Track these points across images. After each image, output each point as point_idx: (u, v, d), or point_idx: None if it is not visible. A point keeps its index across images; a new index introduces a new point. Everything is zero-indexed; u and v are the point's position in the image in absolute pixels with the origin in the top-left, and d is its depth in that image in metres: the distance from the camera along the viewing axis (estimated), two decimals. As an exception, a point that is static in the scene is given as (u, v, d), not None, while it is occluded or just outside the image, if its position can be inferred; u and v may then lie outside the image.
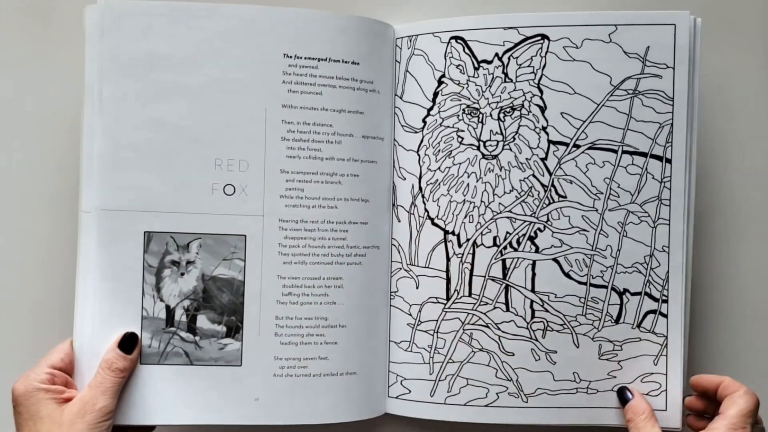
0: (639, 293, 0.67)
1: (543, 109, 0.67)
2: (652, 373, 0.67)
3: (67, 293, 0.66)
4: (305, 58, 0.66)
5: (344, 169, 0.67)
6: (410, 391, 0.69)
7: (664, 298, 0.66)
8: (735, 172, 0.73)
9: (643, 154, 0.67)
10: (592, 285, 0.67)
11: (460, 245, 0.68)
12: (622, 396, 0.65)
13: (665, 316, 0.66)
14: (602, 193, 0.67)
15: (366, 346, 0.68)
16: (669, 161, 0.66)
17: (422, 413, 0.69)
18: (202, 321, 0.65)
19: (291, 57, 0.66)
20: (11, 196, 0.73)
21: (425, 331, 0.69)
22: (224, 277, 0.65)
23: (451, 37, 0.68)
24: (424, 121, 0.69)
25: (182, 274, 0.65)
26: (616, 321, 0.67)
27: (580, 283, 0.67)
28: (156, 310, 0.65)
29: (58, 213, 0.73)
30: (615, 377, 0.67)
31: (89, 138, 0.64)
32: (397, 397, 0.70)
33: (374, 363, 0.69)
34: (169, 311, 0.65)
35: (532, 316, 0.68)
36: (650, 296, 0.67)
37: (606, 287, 0.67)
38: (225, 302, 0.65)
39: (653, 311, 0.67)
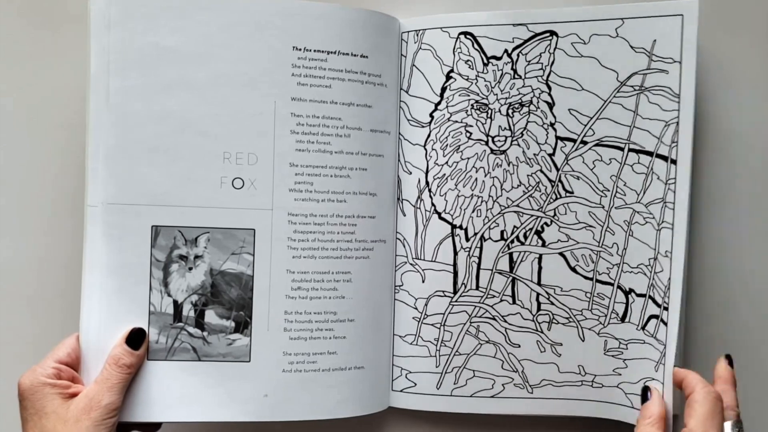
0: (644, 295, 0.66)
1: (551, 106, 0.67)
2: (653, 379, 0.65)
3: (74, 288, 0.65)
4: (314, 50, 0.65)
5: (353, 162, 0.67)
6: (416, 384, 0.70)
7: (665, 305, 0.64)
8: (736, 170, 0.72)
9: (649, 153, 0.65)
10: (598, 281, 0.67)
11: (467, 239, 0.68)
12: (644, 394, 0.64)
13: (665, 324, 0.64)
14: (609, 191, 0.67)
15: (373, 340, 0.68)
16: (674, 162, 0.64)
17: (428, 406, 0.69)
18: (210, 316, 0.65)
19: (300, 50, 0.65)
20: (15, 192, 0.73)
21: (431, 325, 0.69)
22: (233, 272, 0.65)
23: (460, 33, 0.68)
24: (431, 115, 0.69)
25: (190, 269, 0.64)
26: (622, 319, 0.67)
27: (586, 278, 0.67)
28: (163, 305, 0.64)
29: (62, 208, 0.72)
30: (620, 375, 0.67)
31: (95, 132, 0.63)
32: (401, 391, 0.70)
33: (380, 357, 0.69)
34: (177, 306, 0.64)
35: (538, 309, 0.68)
36: (653, 300, 0.65)
37: (612, 284, 0.67)
38: (233, 297, 0.65)
39: (656, 316, 0.65)
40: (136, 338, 0.62)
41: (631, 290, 0.66)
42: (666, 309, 0.64)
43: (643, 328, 0.66)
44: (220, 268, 0.65)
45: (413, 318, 0.70)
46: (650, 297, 0.65)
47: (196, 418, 0.64)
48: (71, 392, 0.59)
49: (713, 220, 0.72)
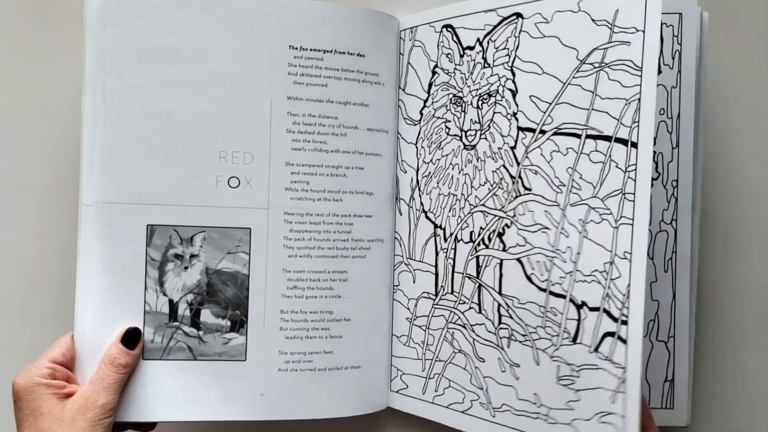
0: (597, 309, 0.56)
1: (514, 94, 0.62)
2: (609, 413, 0.55)
3: (68, 288, 0.64)
4: (311, 49, 0.65)
5: (349, 161, 0.66)
6: (407, 386, 0.69)
7: (623, 318, 0.54)
8: (740, 169, 0.71)
9: (608, 138, 0.56)
10: (551, 293, 0.59)
11: (445, 239, 0.67)
12: None
13: (624, 341, 0.54)
14: (564, 186, 0.58)
15: (370, 340, 0.68)
16: (635, 146, 0.54)
17: (415, 410, 0.69)
18: (206, 315, 0.64)
19: (296, 48, 0.65)
20: (10, 191, 0.72)
21: (419, 326, 0.68)
22: (228, 271, 0.64)
23: (443, 26, 0.67)
24: (421, 113, 0.68)
25: (186, 268, 0.64)
26: (574, 340, 0.57)
27: (540, 289, 0.59)
28: (159, 304, 0.64)
29: (56, 207, 0.72)
30: (573, 409, 0.57)
31: (90, 131, 0.63)
32: (397, 392, 0.70)
33: (377, 357, 0.69)
34: (173, 305, 0.64)
35: (499, 322, 0.62)
36: (609, 314, 0.55)
37: (564, 297, 0.58)
38: (229, 296, 0.65)
39: (611, 333, 0.55)
40: (131, 338, 0.62)
41: (584, 303, 0.56)
42: (625, 323, 0.54)
43: (596, 349, 0.56)
44: (216, 267, 0.64)
45: (406, 318, 0.69)
46: (605, 310, 0.55)
47: (192, 418, 0.64)
48: (66, 392, 0.59)
49: (715, 224, 0.71)
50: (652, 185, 0.57)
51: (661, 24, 0.60)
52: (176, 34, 0.63)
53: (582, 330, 0.57)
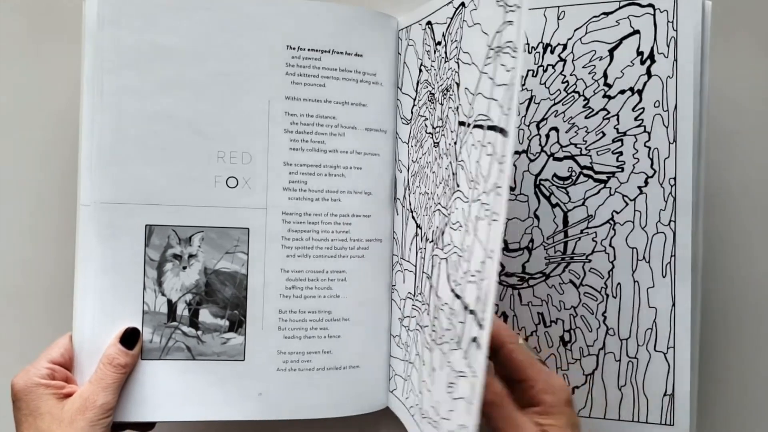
0: (473, 312, 0.49)
1: (458, 87, 0.58)
2: (465, 426, 0.47)
3: (66, 288, 0.64)
4: (308, 49, 0.65)
5: (347, 161, 0.67)
6: (397, 387, 0.69)
7: (481, 322, 0.47)
8: (743, 166, 0.70)
9: (495, 129, 0.50)
10: (455, 294, 0.53)
11: (421, 239, 0.65)
12: None
13: (480, 348, 0.47)
14: (473, 181, 0.53)
15: (368, 340, 0.68)
16: (506, 134, 0.48)
17: (399, 411, 0.68)
18: (205, 315, 0.64)
19: (294, 48, 0.65)
20: (8, 191, 0.72)
21: (405, 327, 0.68)
22: (227, 271, 0.65)
23: (426, 23, 0.66)
24: (411, 111, 0.68)
25: (184, 268, 0.64)
26: (458, 344, 0.51)
27: (450, 290, 0.54)
28: (157, 304, 0.64)
29: (54, 207, 0.72)
30: (449, 420, 0.51)
31: (89, 131, 0.63)
32: (392, 392, 0.69)
33: (376, 356, 0.69)
34: (171, 305, 0.64)
35: (434, 324, 0.58)
36: (476, 317, 0.49)
37: (461, 298, 0.52)
38: (228, 296, 0.65)
39: (474, 339, 0.48)
40: (130, 338, 0.62)
41: (467, 306, 0.51)
42: (482, 327, 0.47)
43: (465, 356, 0.49)
44: (215, 267, 0.65)
45: (398, 319, 0.69)
46: (473, 313, 0.49)
47: (190, 418, 0.64)
48: (65, 392, 0.59)
49: (716, 222, 0.70)
50: (641, 183, 0.57)
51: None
52: (174, 33, 0.63)
53: (463, 334, 0.50)
